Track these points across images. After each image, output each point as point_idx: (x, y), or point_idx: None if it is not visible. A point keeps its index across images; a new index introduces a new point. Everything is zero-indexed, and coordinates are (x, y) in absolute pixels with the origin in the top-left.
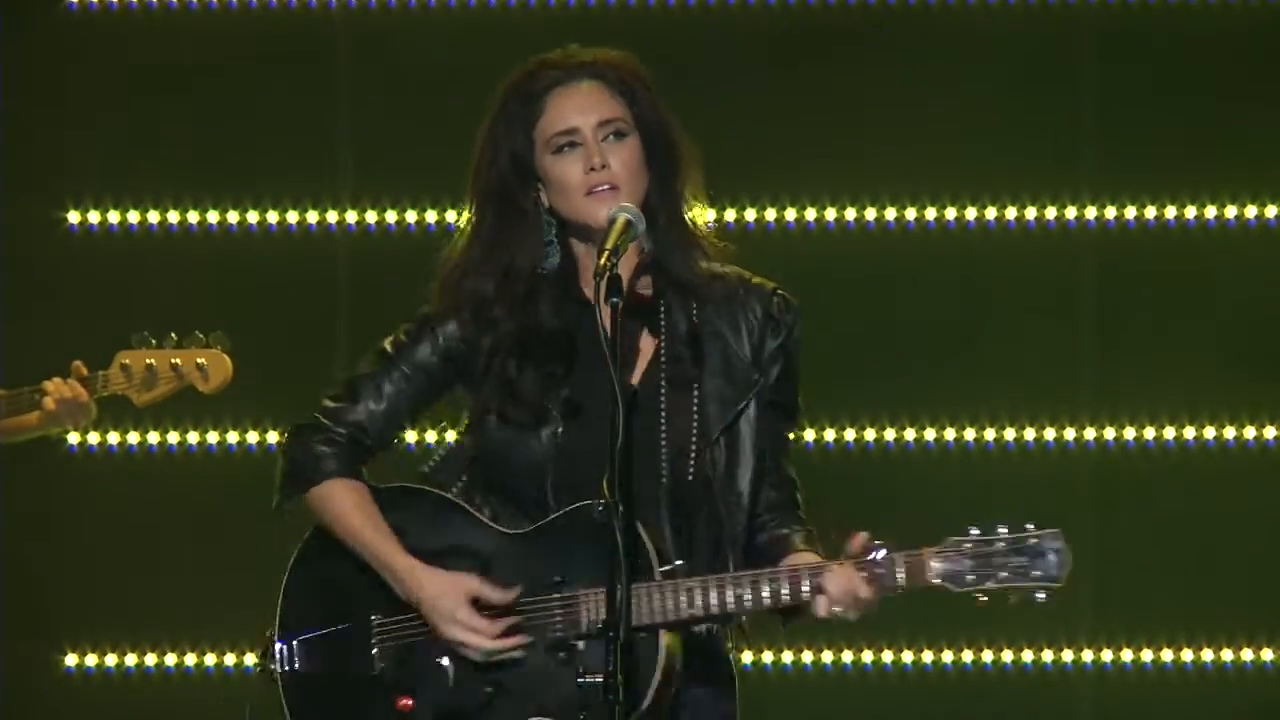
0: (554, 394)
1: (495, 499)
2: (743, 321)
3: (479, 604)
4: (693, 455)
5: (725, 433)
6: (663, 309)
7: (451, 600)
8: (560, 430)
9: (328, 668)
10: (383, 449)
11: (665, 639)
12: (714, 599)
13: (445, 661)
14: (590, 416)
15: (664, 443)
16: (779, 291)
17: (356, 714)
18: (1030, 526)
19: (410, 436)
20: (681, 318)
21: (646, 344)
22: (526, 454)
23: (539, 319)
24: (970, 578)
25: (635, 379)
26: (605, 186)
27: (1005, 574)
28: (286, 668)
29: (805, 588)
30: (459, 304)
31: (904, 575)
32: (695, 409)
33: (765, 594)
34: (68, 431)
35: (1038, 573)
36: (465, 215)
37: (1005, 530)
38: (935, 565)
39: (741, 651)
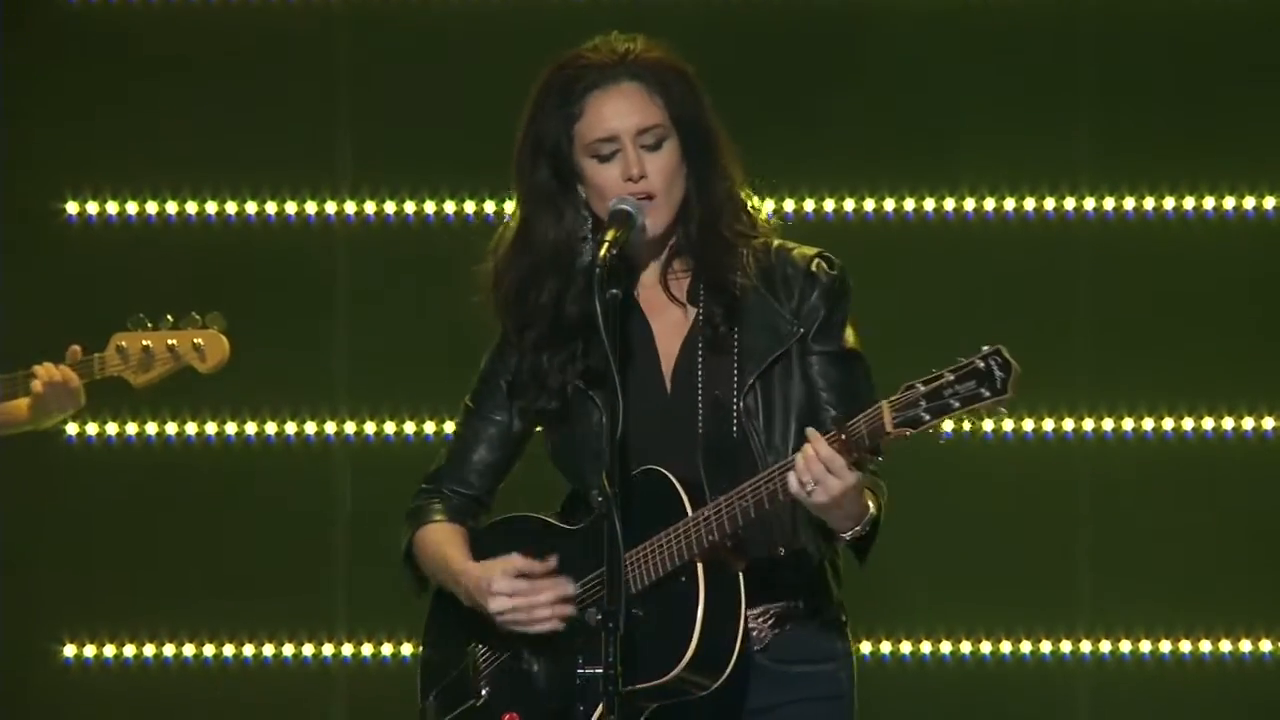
0: (575, 375)
1: (577, 503)
2: (783, 288)
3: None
4: (735, 408)
5: (761, 382)
6: (701, 284)
7: (488, 575)
8: (606, 418)
9: (453, 713)
10: (492, 494)
11: (703, 581)
12: (725, 517)
13: (534, 666)
14: (627, 395)
15: (701, 400)
16: (822, 253)
17: None
18: (984, 348)
19: None
20: (721, 288)
21: (683, 318)
22: (586, 449)
23: (565, 310)
24: (926, 416)
25: (675, 352)
26: (642, 196)
27: (957, 402)
28: None
29: (781, 477)
30: (507, 314)
31: (867, 434)
32: (735, 364)
33: (764, 497)
34: (60, 422)
35: (985, 391)
36: (512, 210)
37: (961, 360)
38: (893, 415)
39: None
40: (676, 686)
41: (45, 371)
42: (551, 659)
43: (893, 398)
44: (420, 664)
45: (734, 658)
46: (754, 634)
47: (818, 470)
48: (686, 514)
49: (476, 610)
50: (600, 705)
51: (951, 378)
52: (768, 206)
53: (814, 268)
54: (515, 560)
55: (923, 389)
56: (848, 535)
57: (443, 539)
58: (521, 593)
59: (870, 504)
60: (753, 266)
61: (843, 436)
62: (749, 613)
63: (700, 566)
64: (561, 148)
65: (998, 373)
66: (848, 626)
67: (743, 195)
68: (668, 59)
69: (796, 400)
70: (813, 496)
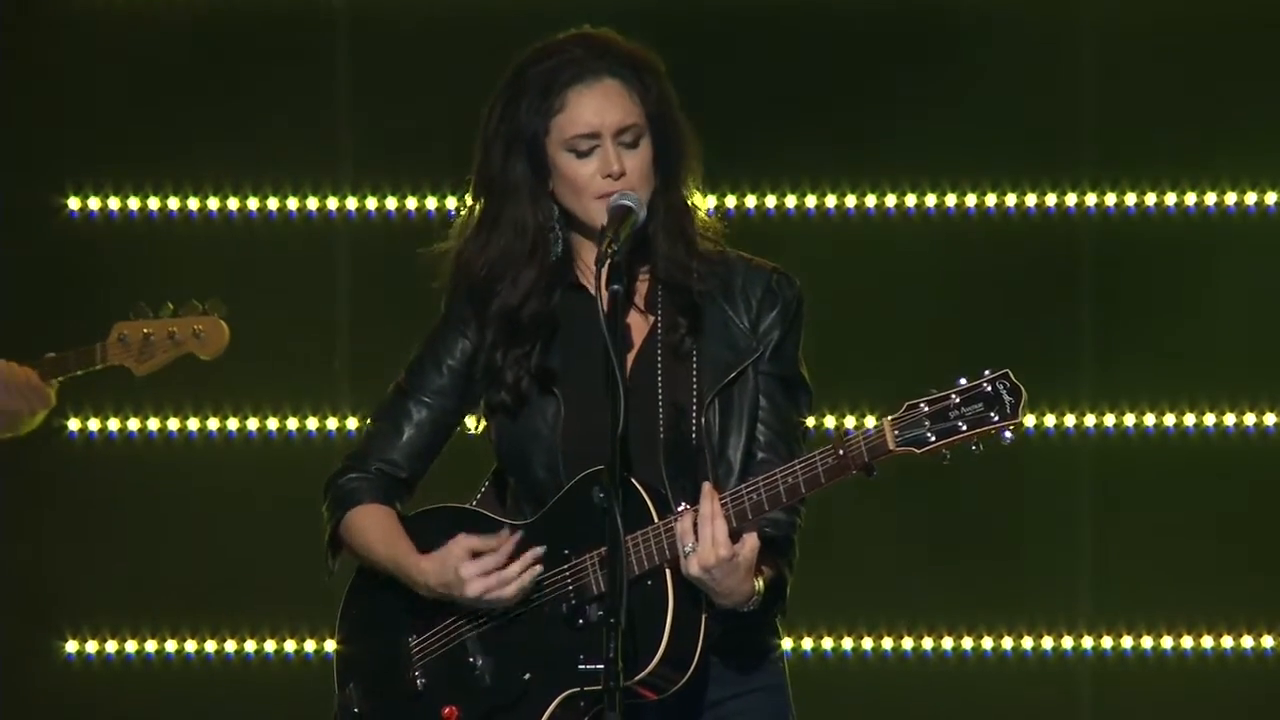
0: (529, 369)
1: (525, 503)
2: (741, 299)
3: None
4: (694, 416)
5: (720, 396)
6: (660, 290)
7: (452, 563)
8: (563, 411)
9: (381, 702)
10: (418, 478)
11: (673, 590)
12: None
13: (479, 661)
14: (583, 394)
15: (661, 406)
16: (779, 270)
17: None
18: (987, 372)
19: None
20: (678, 295)
21: (642, 322)
22: (537, 438)
23: (526, 305)
24: (931, 437)
25: (632, 354)
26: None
27: (964, 425)
28: (351, 713)
29: (776, 490)
30: (464, 302)
31: (867, 452)
32: (694, 373)
33: (746, 508)
34: (36, 424)
35: (994, 415)
36: (469, 199)
37: (964, 381)
38: (895, 434)
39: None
40: (639, 685)
41: (5, 368)
42: (499, 656)
43: (894, 416)
44: (337, 658)
45: (697, 655)
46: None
47: (705, 534)
48: (653, 520)
49: (412, 597)
50: (553, 704)
51: (957, 399)
52: (709, 202)
53: (773, 284)
54: (466, 541)
55: (926, 409)
56: (731, 606)
57: (383, 532)
58: (490, 569)
59: (759, 582)
60: (709, 272)
61: (840, 452)
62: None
63: (668, 570)
64: (538, 139)
65: (1007, 397)
66: (779, 617)
67: (695, 198)
68: (646, 56)
69: (749, 414)
70: (686, 563)
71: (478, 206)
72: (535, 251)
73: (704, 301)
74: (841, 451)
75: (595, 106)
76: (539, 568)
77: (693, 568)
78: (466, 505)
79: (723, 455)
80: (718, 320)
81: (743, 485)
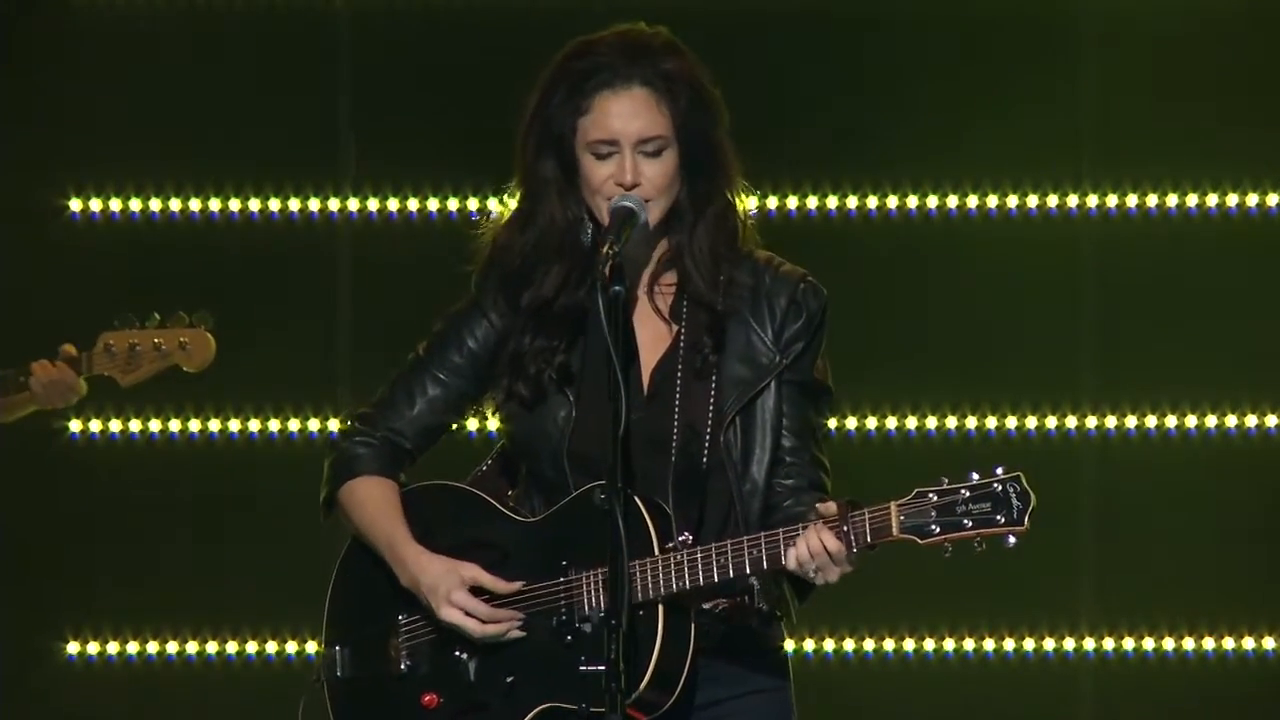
0: (552, 365)
1: (534, 492)
2: (765, 308)
3: (479, 592)
4: (707, 438)
5: (741, 415)
6: (685, 301)
7: (448, 583)
8: (574, 415)
9: (365, 672)
10: (422, 452)
11: (663, 615)
12: (700, 571)
13: (465, 654)
14: (597, 397)
15: (676, 426)
16: (806, 278)
17: (388, 714)
18: (999, 471)
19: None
20: (704, 307)
21: (666, 331)
22: (546, 438)
23: (558, 298)
24: (935, 529)
25: (652, 365)
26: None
27: (969, 522)
28: (334, 675)
29: (776, 550)
30: (494, 288)
31: (870, 532)
32: (713, 393)
33: (745, 561)
34: (60, 409)
35: (1000, 518)
36: (511, 191)
37: (975, 477)
38: (900, 519)
39: (784, 640)
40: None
41: (41, 369)
42: (485, 653)
43: (902, 500)
44: (327, 616)
45: (683, 679)
46: (704, 629)
47: (822, 560)
48: (652, 548)
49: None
50: (530, 714)
51: (966, 494)
52: (750, 204)
53: (799, 295)
54: (477, 573)
55: (935, 499)
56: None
57: (382, 509)
58: (477, 615)
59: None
60: (738, 285)
61: (844, 528)
62: (702, 605)
63: (660, 605)
64: (565, 137)
65: (1015, 502)
66: (783, 619)
67: (738, 213)
68: (684, 69)
69: (772, 426)
70: (815, 578)
71: (519, 202)
72: (564, 247)
73: (728, 318)
74: (845, 528)
75: (619, 114)
76: (518, 633)
77: (819, 582)
78: (467, 486)
79: (746, 473)
80: (741, 337)
81: (744, 539)
